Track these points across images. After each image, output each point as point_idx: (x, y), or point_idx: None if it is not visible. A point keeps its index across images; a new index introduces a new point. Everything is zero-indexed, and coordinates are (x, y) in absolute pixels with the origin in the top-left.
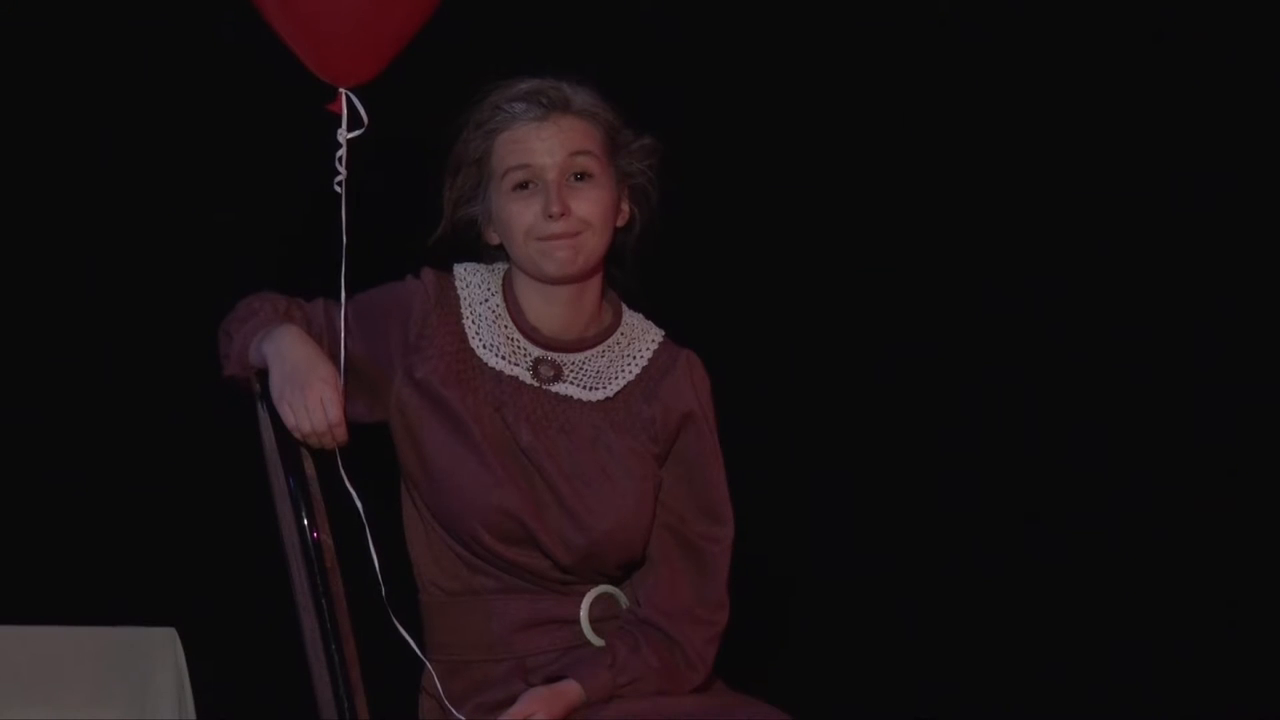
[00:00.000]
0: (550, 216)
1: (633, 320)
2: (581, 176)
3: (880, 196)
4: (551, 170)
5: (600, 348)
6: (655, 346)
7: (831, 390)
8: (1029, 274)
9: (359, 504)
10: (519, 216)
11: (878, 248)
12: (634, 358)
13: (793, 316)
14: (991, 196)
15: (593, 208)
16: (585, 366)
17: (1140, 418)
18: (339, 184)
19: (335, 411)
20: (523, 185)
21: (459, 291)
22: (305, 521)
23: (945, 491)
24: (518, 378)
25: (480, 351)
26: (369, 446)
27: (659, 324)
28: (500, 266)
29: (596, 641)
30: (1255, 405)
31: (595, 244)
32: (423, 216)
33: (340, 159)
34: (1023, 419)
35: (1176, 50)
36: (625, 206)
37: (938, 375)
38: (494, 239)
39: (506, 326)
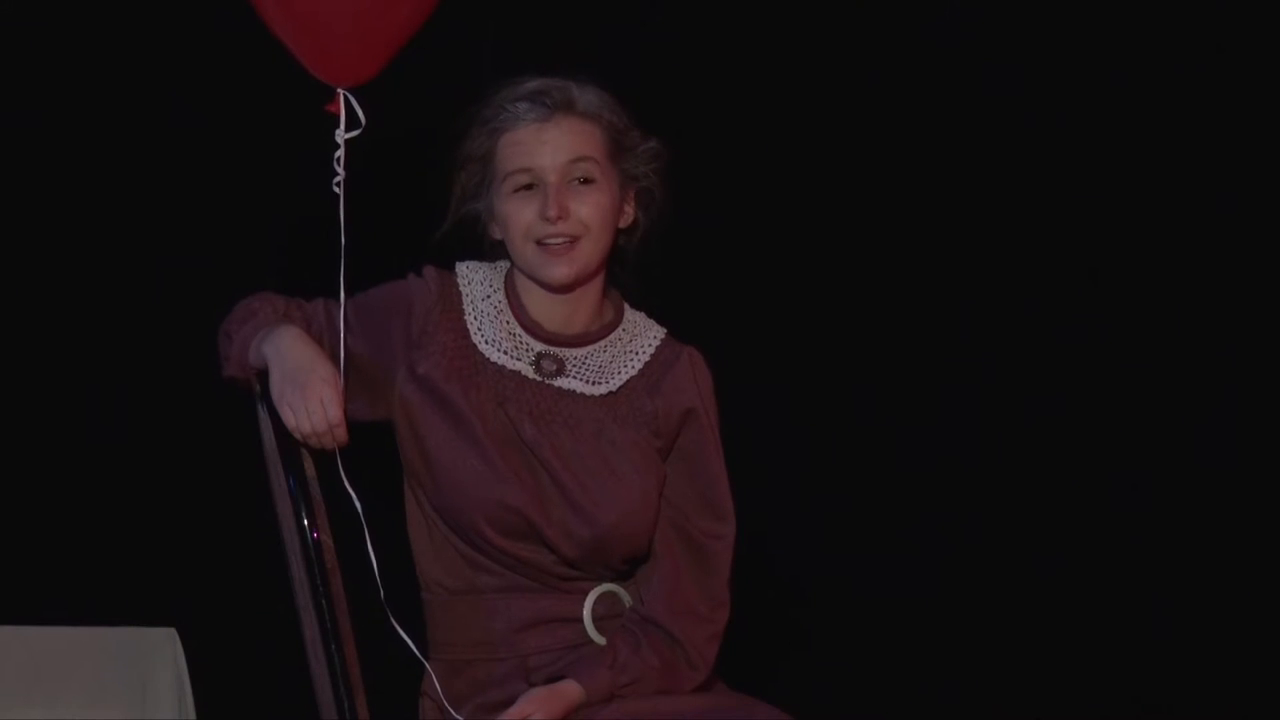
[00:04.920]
0: (547, 219)
1: (635, 318)
2: (582, 180)
3: (883, 196)
4: (552, 173)
5: (603, 343)
6: (658, 343)
7: (834, 390)
8: (1031, 274)
9: (358, 505)
10: (517, 216)
11: (880, 247)
12: (636, 353)
13: (795, 316)
14: (993, 196)
15: (592, 211)
16: (588, 361)
17: (1142, 419)
18: (337, 184)
19: (335, 412)
20: (526, 187)
21: (461, 288)
22: (305, 521)
23: (948, 492)
24: (520, 372)
25: (483, 347)
26: (369, 446)
27: (661, 323)
28: (503, 264)
29: (599, 640)
30: (1255, 405)
31: (592, 250)
32: (421, 216)
33: (338, 159)
34: (1028, 419)
35: (1173, 51)
36: (629, 208)
37: (942, 375)
38: (497, 234)
39: (509, 322)
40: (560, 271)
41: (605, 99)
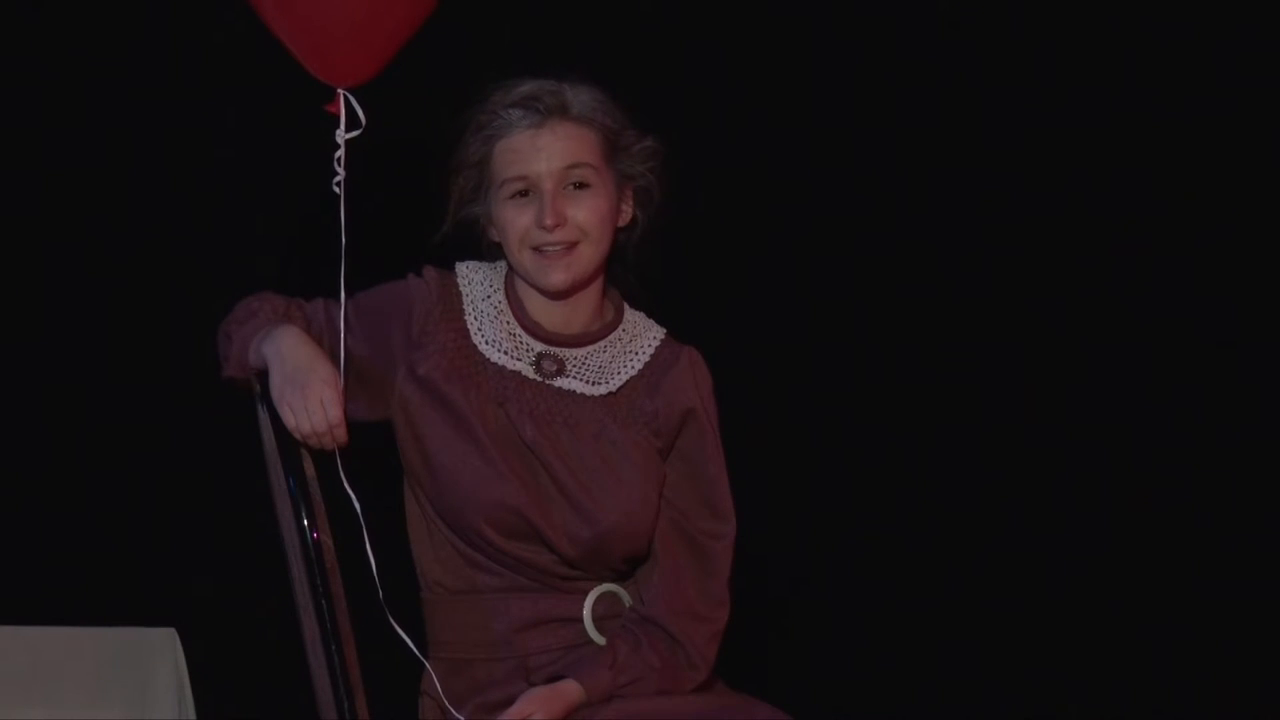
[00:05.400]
0: (544, 227)
1: (634, 318)
2: (578, 185)
3: (882, 196)
4: (548, 180)
5: (603, 343)
6: (658, 343)
7: (834, 390)
8: (1031, 274)
9: (358, 506)
10: (514, 222)
11: (880, 247)
12: (636, 353)
13: (795, 316)
14: (994, 196)
15: (590, 215)
16: (588, 361)
17: (1141, 419)
18: (337, 184)
19: (335, 412)
20: (522, 193)
21: (461, 288)
22: (305, 521)
23: (947, 492)
24: (520, 373)
25: (483, 347)
26: (369, 446)
27: (660, 323)
28: (502, 264)
29: (599, 640)
30: (1255, 405)
31: (591, 253)
32: (421, 216)
33: (338, 159)
34: (1026, 419)
35: (1175, 51)
36: (627, 207)
37: (941, 375)
38: (495, 235)
39: (509, 322)
40: (558, 278)
41: (599, 100)
